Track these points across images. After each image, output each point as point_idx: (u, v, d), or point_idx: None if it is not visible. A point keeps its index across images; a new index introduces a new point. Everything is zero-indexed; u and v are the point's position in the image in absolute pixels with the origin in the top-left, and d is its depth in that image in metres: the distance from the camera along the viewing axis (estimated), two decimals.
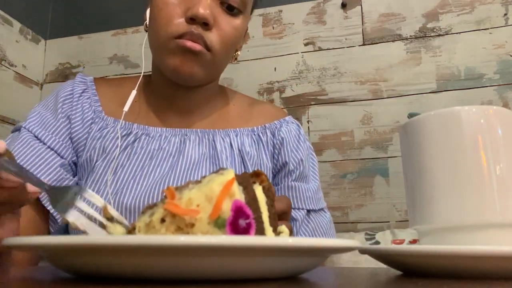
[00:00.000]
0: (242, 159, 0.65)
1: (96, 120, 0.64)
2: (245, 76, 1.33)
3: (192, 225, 0.27)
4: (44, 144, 0.61)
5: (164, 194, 0.29)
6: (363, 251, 0.35)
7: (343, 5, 1.31)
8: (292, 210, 0.65)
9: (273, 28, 1.36)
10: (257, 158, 0.66)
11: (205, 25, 0.57)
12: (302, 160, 0.68)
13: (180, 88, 0.65)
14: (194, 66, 0.59)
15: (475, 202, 0.33)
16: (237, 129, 0.68)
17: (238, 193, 0.28)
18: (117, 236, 0.22)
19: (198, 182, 0.29)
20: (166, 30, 0.58)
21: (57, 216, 0.60)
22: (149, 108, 0.68)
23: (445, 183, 0.34)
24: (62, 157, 0.61)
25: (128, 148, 0.62)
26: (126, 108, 0.61)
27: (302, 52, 1.31)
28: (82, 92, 0.66)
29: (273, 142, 0.68)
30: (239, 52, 0.69)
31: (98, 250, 0.23)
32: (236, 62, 0.70)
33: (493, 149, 0.34)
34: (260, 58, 1.34)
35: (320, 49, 1.30)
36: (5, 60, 1.37)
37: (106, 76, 1.47)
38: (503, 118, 0.35)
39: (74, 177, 0.63)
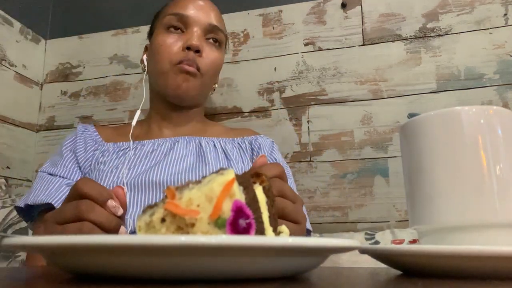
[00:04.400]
0: (225, 154, 0.78)
1: (99, 147, 0.79)
2: (245, 76, 1.33)
3: (192, 225, 0.27)
4: (55, 175, 0.74)
5: (165, 193, 0.29)
6: (363, 251, 0.35)
7: (343, 5, 1.31)
8: None
9: (273, 28, 1.36)
10: (238, 157, 0.80)
11: (197, 52, 0.78)
12: (277, 159, 0.82)
13: (173, 109, 0.83)
14: (189, 84, 0.77)
15: (475, 202, 0.33)
16: (220, 138, 0.83)
17: (238, 193, 0.28)
18: (117, 236, 0.22)
19: (198, 182, 0.29)
20: (168, 59, 0.77)
21: None
22: (142, 131, 0.84)
23: (445, 183, 0.34)
24: (70, 179, 0.74)
25: (127, 154, 0.76)
26: (133, 122, 0.79)
27: (302, 52, 1.31)
28: (83, 131, 0.82)
29: (251, 148, 0.83)
30: (216, 85, 0.88)
31: (98, 250, 0.23)
32: (213, 92, 0.91)
33: (493, 149, 0.34)
34: (260, 58, 1.34)
35: (320, 49, 1.30)
36: (5, 60, 1.37)
37: (107, 76, 1.47)
38: (503, 118, 0.35)
39: None
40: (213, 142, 0.80)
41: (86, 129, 0.83)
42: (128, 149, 0.77)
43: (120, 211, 0.42)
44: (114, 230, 0.42)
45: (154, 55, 0.80)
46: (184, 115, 0.84)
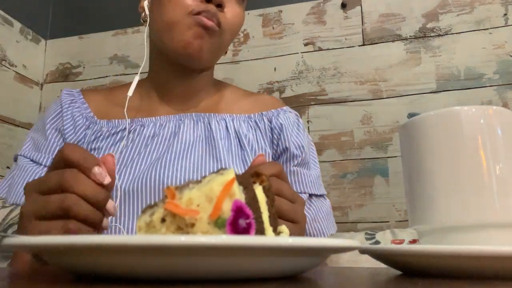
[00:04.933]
0: (239, 140, 0.66)
1: (90, 125, 0.67)
2: (245, 76, 1.33)
3: (192, 225, 0.27)
4: (40, 164, 0.63)
5: (165, 193, 0.29)
6: (363, 251, 0.35)
7: (343, 5, 1.31)
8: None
9: (273, 28, 1.36)
10: (255, 142, 0.67)
11: (219, 6, 0.62)
12: (303, 146, 0.69)
13: (179, 74, 0.68)
14: (204, 43, 0.61)
15: (475, 202, 0.33)
16: (233, 114, 0.69)
17: (238, 193, 0.28)
18: (117, 236, 0.22)
19: (198, 182, 0.29)
20: (183, 7, 0.61)
21: None
22: (142, 103, 0.70)
23: (445, 183, 0.34)
24: None
25: (124, 139, 0.64)
26: (130, 93, 0.63)
27: (302, 52, 1.31)
28: (70, 103, 0.69)
29: (271, 128, 0.69)
30: (228, 48, 0.71)
31: (98, 250, 0.23)
32: (225, 55, 0.73)
33: (493, 149, 0.34)
34: (260, 58, 1.34)
35: (320, 49, 1.30)
36: (5, 60, 1.37)
37: (107, 76, 1.47)
38: (503, 118, 0.35)
39: None
40: (225, 121, 0.68)
41: (73, 99, 0.69)
42: (126, 131, 0.65)
43: (107, 179, 0.38)
44: (102, 203, 0.38)
45: (161, 2, 0.63)
46: (191, 81, 0.69)
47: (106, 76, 1.47)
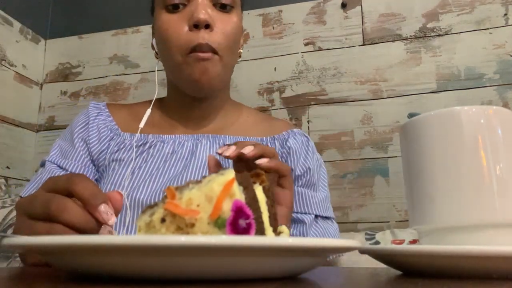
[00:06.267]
0: None
1: (114, 137, 0.71)
2: (245, 76, 1.33)
3: (192, 225, 0.27)
4: (67, 170, 0.67)
5: (165, 193, 0.29)
6: (363, 251, 0.35)
7: (343, 5, 1.31)
8: (300, 214, 0.67)
9: (273, 28, 1.36)
10: None
11: (207, 27, 0.64)
12: (310, 169, 0.70)
13: (195, 99, 0.71)
14: (210, 73, 0.65)
15: (475, 202, 0.33)
16: (247, 137, 0.72)
17: (238, 193, 0.28)
18: (117, 236, 0.22)
19: (198, 182, 0.29)
20: (178, 47, 0.65)
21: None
22: (162, 120, 0.74)
23: (445, 183, 0.34)
24: None
25: (144, 153, 0.68)
26: (141, 125, 0.68)
27: (302, 52, 1.31)
28: (97, 115, 0.73)
29: (281, 152, 0.71)
30: (241, 50, 0.75)
31: (98, 250, 0.23)
32: (239, 59, 0.75)
33: (493, 149, 0.34)
34: (260, 58, 1.34)
35: (320, 49, 1.30)
36: (5, 60, 1.37)
37: (107, 76, 1.47)
38: (503, 118, 0.35)
39: None
40: None
41: (99, 112, 0.73)
42: (148, 145, 0.68)
43: (112, 220, 0.36)
44: (91, 233, 0.36)
45: (160, 40, 0.68)
46: (208, 104, 0.72)
47: (106, 76, 1.47)
